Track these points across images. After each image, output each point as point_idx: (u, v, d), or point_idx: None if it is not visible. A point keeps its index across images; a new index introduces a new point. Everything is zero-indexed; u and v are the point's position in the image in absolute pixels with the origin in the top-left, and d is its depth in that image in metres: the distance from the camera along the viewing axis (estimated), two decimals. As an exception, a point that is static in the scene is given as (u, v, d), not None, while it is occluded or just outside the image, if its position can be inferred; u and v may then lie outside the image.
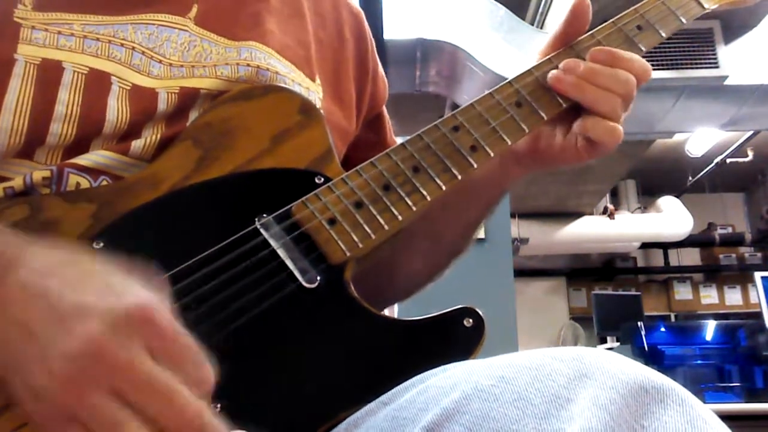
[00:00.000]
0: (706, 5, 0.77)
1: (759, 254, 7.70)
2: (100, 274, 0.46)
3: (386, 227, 0.61)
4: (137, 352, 0.41)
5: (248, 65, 0.69)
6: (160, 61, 0.66)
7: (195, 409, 0.41)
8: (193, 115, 0.66)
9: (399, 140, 0.68)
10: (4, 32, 0.60)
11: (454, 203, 0.77)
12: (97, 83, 0.62)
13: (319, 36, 0.81)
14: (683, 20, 0.75)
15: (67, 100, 0.60)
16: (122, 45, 0.64)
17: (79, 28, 0.63)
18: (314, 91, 0.76)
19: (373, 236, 0.60)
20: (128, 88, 0.63)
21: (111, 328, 0.41)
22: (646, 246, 7.52)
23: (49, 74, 0.60)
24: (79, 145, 0.61)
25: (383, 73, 0.90)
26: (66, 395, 0.40)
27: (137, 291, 0.44)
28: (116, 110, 0.62)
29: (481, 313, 0.58)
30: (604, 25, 0.74)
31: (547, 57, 0.71)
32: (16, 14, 0.62)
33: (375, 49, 0.89)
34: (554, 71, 0.69)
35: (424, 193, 0.63)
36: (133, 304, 0.42)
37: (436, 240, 0.80)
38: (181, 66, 0.66)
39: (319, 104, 0.75)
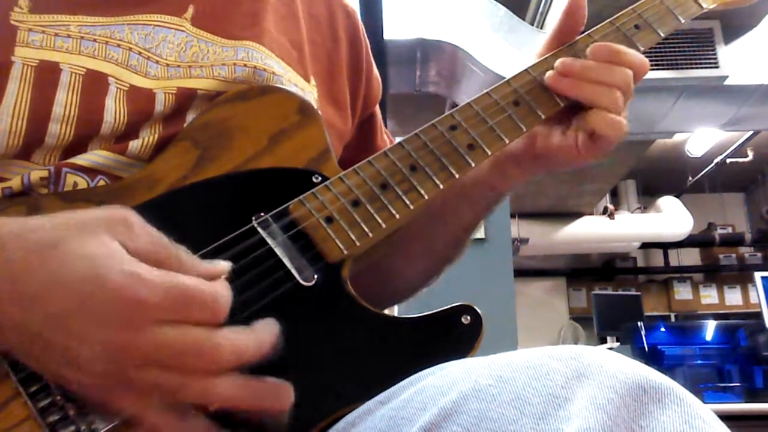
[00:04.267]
0: (704, 5, 0.77)
1: (759, 254, 7.71)
2: (58, 263, 0.45)
3: (384, 225, 0.60)
4: (146, 329, 0.44)
5: (245, 65, 0.69)
6: (157, 62, 0.65)
7: (222, 343, 0.45)
8: (190, 116, 0.65)
9: (398, 140, 0.68)
10: (1, 35, 0.60)
11: (450, 207, 0.76)
12: (94, 84, 0.62)
13: (312, 38, 0.81)
14: (681, 19, 0.75)
15: (64, 101, 0.60)
16: (119, 46, 0.64)
17: (76, 30, 0.63)
18: (309, 92, 0.76)
19: (370, 234, 0.60)
20: (126, 88, 0.63)
21: (114, 323, 0.43)
22: (646, 246, 7.52)
23: (46, 76, 0.60)
24: (77, 145, 0.60)
25: (377, 73, 0.90)
26: (110, 392, 0.45)
27: (109, 272, 0.44)
28: (114, 111, 0.62)
29: (478, 310, 0.58)
30: (601, 24, 0.74)
31: (544, 57, 0.71)
32: (12, 17, 0.61)
33: (369, 49, 0.89)
34: (551, 72, 0.69)
35: (422, 191, 0.63)
36: (112, 291, 0.43)
37: (430, 245, 0.80)
38: (178, 66, 0.66)
39: (314, 105, 0.75)
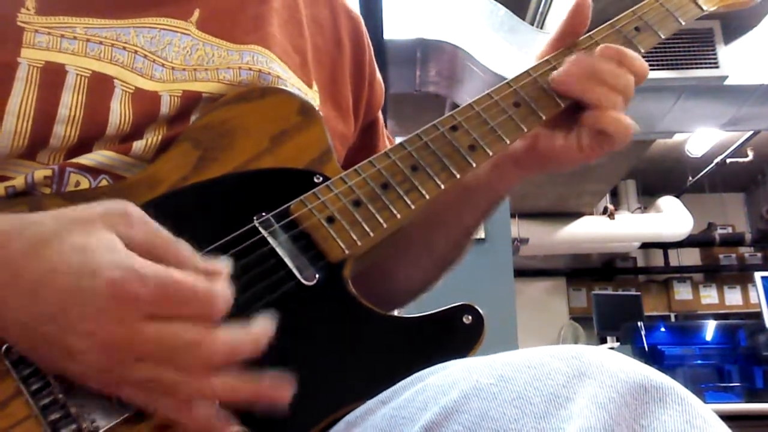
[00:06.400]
0: (704, 7, 0.77)
1: (759, 254, 7.71)
2: (59, 254, 0.46)
3: (385, 225, 0.61)
4: (138, 325, 0.44)
5: (250, 69, 0.70)
6: (163, 65, 0.66)
7: (216, 341, 0.45)
8: (194, 118, 0.66)
9: (398, 141, 0.68)
10: (7, 37, 0.61)
11: (450, 210, 0.76)
12: (99, 86, 0.62)
13: (316, 43, 0.81)
14: (681, 22, 0.76)
15: (70, 102, 0.60)
16: (125, 48, 0.65)
17: (82, 32, 0.63)
18: (311, 98, 0.76)
19: (371, 234, 0.60)
20: (131, 91, 0.63)
21: (106, 316, 0.43)
22: (646, 246, 7.52)
23: (52, 77, 0.60)
24: (82, 147, 0.61)
25: (380, 78, 0.90)
26: (107, 379, 0.45)
27: (102, 265, 0.44)
28: (119, 113, 0.62)
29: (480, 310, 0.58)
30: (602, 27, 0.74)
31: (545, 58, 0.71)
32: (19, 18, 0.62)
33: (373, 54, 0.89)
34: (556, 72, 0.69)
35: (423, 191, 0.63)
36: (105, 285, 0.43)
37: (431, 249, 0.80)
38: (184, 69, 0.67)
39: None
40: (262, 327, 0.48)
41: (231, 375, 0.46)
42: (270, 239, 0.57)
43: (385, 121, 0.93)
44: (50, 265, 0.44)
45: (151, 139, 0.62)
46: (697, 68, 3.89)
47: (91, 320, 0.43)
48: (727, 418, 0.44)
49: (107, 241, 0.45)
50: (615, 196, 7.53)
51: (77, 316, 0.43)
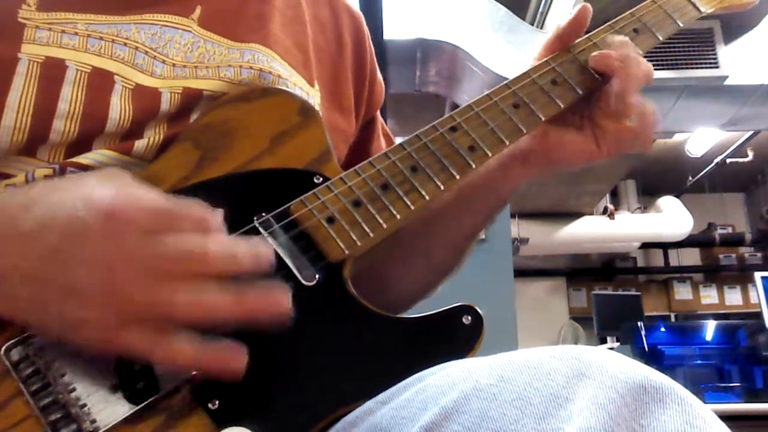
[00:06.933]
0: (702, 9, 0.78)
1: (759, 254, 7.70)
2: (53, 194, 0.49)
3: (385, 226, 0.61)
4: (138, 240, 0.46)
5: (251, 68, 0.70)
6: (164, 62, 0.66)
7: (212, 246, 0.48)
8: (195, 117, 0.66)
9: (398, 141, 0.68)
10: (8, 32, 0.61)
11: (449, 213, 0.76)
12: (100, 81, 0.62)
13: (318, 42, 0.81)
14: (680, 23, 0.76)
15: (69, 97, 0.60)
16: (125, 44, 0.65)
17: (83, 28, 0.63)
18: (313, 96, 0.76)
19: (371, 235, 0.60)
20: (131, 87, 0.63)
21: (105, 242, 0.46)
22: (646, 246, 7.52)
23: (52, 72, 0.60)
24: (82, 143, 0.61)
25: (381, 77, 0.90)
26: (111, 329, 0.45)
27: (95, 194, 0.48)
28: (119, 109, 0.62)
29: (479, 310, 0.58)
30: (600, 28, 0.74)
31: (544, 59, 0.72)
32: (20, 14, 0.62)
33: (374, 52, 0.89)
34: (596, 53, 0.70)
35: (423, 192, 0.63)
36: (102, 210, 0.46)
37: (429, 253, 0.79)
38: (185, 67, 0.67)
39: (317, 109, 0.75)
40: (262, 244, 0.50)
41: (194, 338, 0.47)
42: (270, 239, 0.58)
43: (384, 121, 0.93)
44: (50, 209, 0.47)
45: (152, 138, 0.62)
46: (697, 68, 3.89)
47: (93, 248, 0.45)
48: (727, 418, 0.44)
49: (106, 183, 0.49)
50: (615, 196, 7.53)
51: (79, 247, 0.45)
